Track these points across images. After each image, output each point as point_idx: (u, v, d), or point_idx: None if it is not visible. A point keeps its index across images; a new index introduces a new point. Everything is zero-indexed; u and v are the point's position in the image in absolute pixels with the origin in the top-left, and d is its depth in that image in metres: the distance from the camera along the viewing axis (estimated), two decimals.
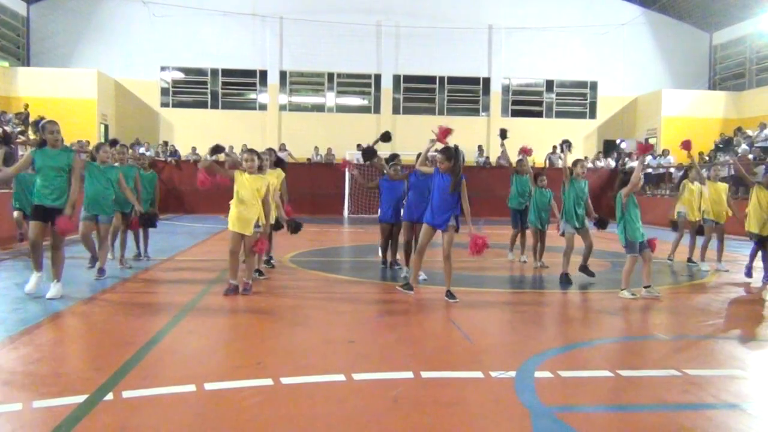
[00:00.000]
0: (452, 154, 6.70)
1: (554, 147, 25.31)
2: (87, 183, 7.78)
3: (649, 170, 22.46)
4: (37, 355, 4.46)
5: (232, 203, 6.91)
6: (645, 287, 7.33)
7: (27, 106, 20.79)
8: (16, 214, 9.95)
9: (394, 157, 9.60)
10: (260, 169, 7.04)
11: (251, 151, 7.02)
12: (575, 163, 8.54)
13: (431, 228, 6.91)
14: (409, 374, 4.14)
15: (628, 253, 7.38)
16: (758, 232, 8.54)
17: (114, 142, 9.20)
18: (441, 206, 6.78)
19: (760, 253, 8.71)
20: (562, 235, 8.47)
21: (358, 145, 9.50)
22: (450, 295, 6.83)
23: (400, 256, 8.82)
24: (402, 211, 8.58)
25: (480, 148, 25.96)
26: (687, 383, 4.12)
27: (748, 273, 8.87)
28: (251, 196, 6.82)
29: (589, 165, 24.76)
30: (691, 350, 5.14)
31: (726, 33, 27.46)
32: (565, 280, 8.18)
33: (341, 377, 4.06)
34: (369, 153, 8.82)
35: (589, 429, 3.36)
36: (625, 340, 5.51)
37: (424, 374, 4.16)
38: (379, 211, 9.15)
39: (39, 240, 6.59)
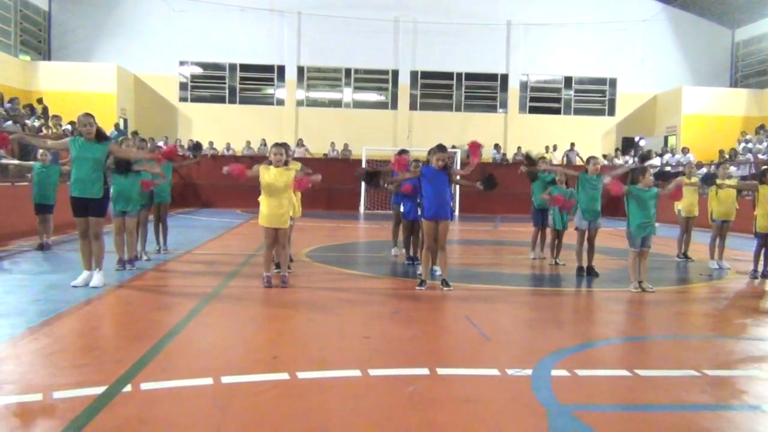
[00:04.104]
0: (445, 149, 7.35)
1: (572, 144, 25.16)
2: (113, 179, 7.92)
3: (668, 168, 22.21)
4: (57, 346, 4.51)
5: (261, 199, 7.00)
6: (638, 282, 7.50)
7: (41, 100, 20.99)
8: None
9: (403, 151, 9.61)
10: (284, 163, 7.11)
11: (279, 144, 7.09)
12: (588, 160, 8.81)
13: (435, 223, 7.23)
14: (425, 371, 4.13)
15: (629, 247, 7.59)
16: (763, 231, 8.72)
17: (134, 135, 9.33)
18: (442, 200, 7.20)
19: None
20: (576, 229, 8.70)
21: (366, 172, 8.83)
22: (445, 283, 7.23)
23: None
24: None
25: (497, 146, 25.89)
26: (706, 383, 4.07)
27: (755, 274, 8.82)
28: (280, 190, 6.90)
29: (605, 162, 24.59)
30: (709, 350, 5.08)
31: (749, 29, 27.02)
32: (592, 273, 8.45)
33: (357, 372, 4.06)
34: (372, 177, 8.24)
35: (606, 428, 3.33)
36: (642, 339, 5.46)
37: (440, 371, 4.15)
38: (402, 207, 9.14)
39: (87, 234, 6.80)
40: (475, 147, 7.40)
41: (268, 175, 6.91)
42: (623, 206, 7.74)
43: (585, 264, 8.56)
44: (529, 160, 10.04)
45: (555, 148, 24.79)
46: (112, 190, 7.87)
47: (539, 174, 10.04)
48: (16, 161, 11.20)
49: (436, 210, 7.15)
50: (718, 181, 9.46)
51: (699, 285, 8.40)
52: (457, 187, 8.68)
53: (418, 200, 8.42)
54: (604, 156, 24.05)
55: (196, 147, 7.92)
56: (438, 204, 7.14)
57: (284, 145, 7.14)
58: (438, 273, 7.79)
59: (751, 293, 7.96)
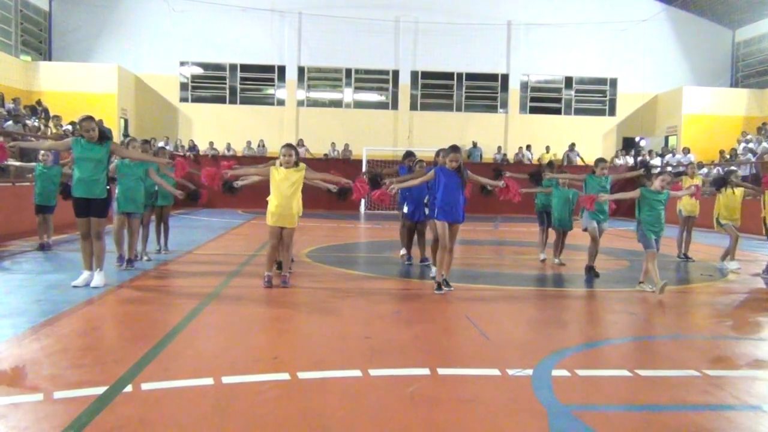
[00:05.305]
0: (459, 149, 7.29)
1: (572, 144, 25.16)
2: (118, 181, 7.95)
3: (669, 168, 22.22)
4: (58, 346, 4.52)
5: (270, 199, 7.03)
6: (639, 283, 7.52)
7: (40, 102, 21.01)
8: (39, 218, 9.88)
9: (410, 154, 9.56)
10: (295, 164, 7.14)
11: (289, 145, 7.13)
12: (597, 162, 8.76)
13: (448, 225, 7.15)
14: (426, 371, 4.13)
15: (644, 249, 7.52)
16: None
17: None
18: (456, 202, 7.10)
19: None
20: (585, 230, 8.60)
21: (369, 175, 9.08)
22: (446, 283, 7.19)
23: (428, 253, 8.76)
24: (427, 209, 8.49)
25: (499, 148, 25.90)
26: (707, 384, 4.07)
27: None
28: (290, 190, 6.96)
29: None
30: (711, 351, 5.08)
31: (749, 29, 27.03)
32: (593, 274, 8.40)
33: (358, 373, 4.06)
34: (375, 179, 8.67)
35: (607, 429, 3.33)
36: (644, 340, 5.46)
37: (441, 371, 4.15)
38: (405, 208, 9.11)
39: (88, 235, 6.83)
40: (512, 186, 7.59)
41: (278, 175, 6.98)
42: (623, 206, 7.73)
43: (586, 264, 8.53)
44: (534, 177, 9.93)
45: (548, 149, 24.81)
46: (117, 191, 7.91)
47: (543, 182, 10.03)
48: (17, 162, 11.24)
49: (450, 212, 7.08)
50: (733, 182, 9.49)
51: (699, 285, 8.40)
52: None
53: (425, 201, 8.38)
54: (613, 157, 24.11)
55: (193, 195, 8.26)
56: (451, 206, 7.08)
57: (294, 146, 7.18)
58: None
59: (752, 293, 7.96)
